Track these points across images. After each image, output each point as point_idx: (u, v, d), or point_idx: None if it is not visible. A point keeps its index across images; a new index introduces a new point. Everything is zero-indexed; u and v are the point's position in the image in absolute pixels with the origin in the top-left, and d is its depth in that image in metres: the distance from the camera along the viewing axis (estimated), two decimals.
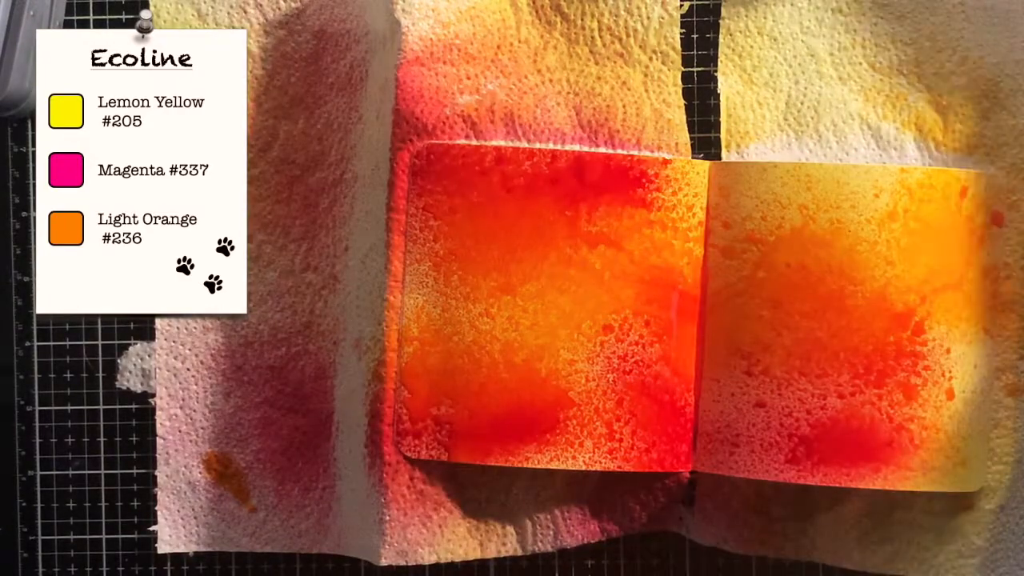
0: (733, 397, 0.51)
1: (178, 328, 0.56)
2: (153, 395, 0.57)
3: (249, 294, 0.56)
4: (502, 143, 0.51)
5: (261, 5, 0.56)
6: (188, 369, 0.56)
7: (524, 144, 0.51)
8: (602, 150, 0.52)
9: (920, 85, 0.52)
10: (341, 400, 0.55)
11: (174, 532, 0.56)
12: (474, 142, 0.51)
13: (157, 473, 0.56)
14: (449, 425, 0.51)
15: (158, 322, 0.56)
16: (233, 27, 0.56)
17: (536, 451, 0.50)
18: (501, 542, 0.53)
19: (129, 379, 0.57)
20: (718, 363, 0.51)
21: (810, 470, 0.50)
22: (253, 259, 0.56)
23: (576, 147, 0.52)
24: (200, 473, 0.56)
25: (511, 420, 0.51)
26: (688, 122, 0.53)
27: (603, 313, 0.50)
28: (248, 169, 0.56)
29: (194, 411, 0.56)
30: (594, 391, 0.50)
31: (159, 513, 0.56)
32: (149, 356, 0.56)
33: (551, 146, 0.51)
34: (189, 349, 0.56)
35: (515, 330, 0.50)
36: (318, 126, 0.56)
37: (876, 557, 0.52)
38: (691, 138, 0.53)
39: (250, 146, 0.56)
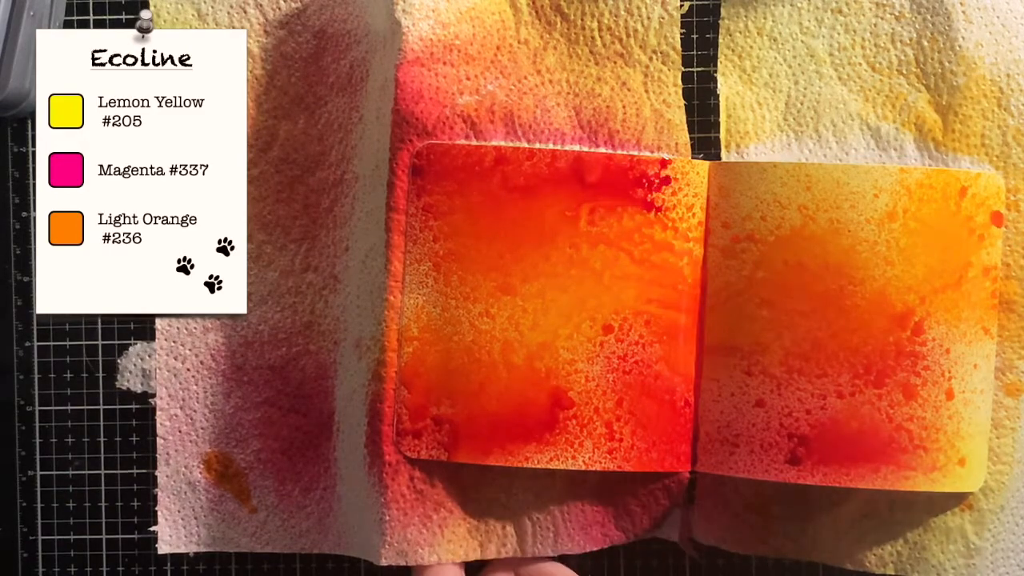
0: (733, 397, 0.51)
1: (178, 328, 0.56)
2: (153, 395, 0.56)
3: (249, 294, 0.55)
4: (502, 143, 0.51)
5: (261, 5, 0.56)
6: (188, 369, 0.56)
7: (524, 144, 0.51)
8: (602, 150, 0.51)
9: (920, 85, 0.52)
10: (342, 400, 0.55)
11: (174, 532, 0.56)
12: (474, 142, 0.51)
13: (157, 473, 0.56)
14: (449, 425, 0.50)
15: (158, 322, 0.56)
16: (233, 27, 0.56)
17: (536, 451, 0.50)
18: (501, 543, 0.53)
19: (129, 379, 0.56)
20: (718, 363, 0.51)
21: (810, 470, 0.50)
22: (253, 259, 0.55)
23: (576, 147, 0.51)
24: (200, 473, 0.56)
25: (511, 420, 0.50)
26: (688, 122, 0.53)
27: (603, 313, 0.50)
28: (248, 169, 0.55)
29: (194, 411, 0.56)
30: (594, 391, 0.50)
31: (159, 513, 0.56)
32: (149, 356, 0.56)
33: (551, 146, 0.51)
34: (189, 349, 0.56)
35: (515, 330, 0.50)
36: (319, 126, 0.55)
37: (876, 557, 0.52)
38: (691, 138, 0.52)
39: (250, 146, 0.56)
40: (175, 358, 0.56)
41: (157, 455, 0.56)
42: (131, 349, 0.56)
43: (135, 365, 0.56)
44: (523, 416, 0.50)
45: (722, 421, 0.51)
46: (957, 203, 0.50)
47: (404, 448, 0.51)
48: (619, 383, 0.50)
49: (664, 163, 0.51)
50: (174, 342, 0.56)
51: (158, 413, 0.56)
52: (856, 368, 0.49)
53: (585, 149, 0.51)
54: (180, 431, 0.56)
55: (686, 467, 0.52)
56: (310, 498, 0.56)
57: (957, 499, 0.51)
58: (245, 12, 0.56)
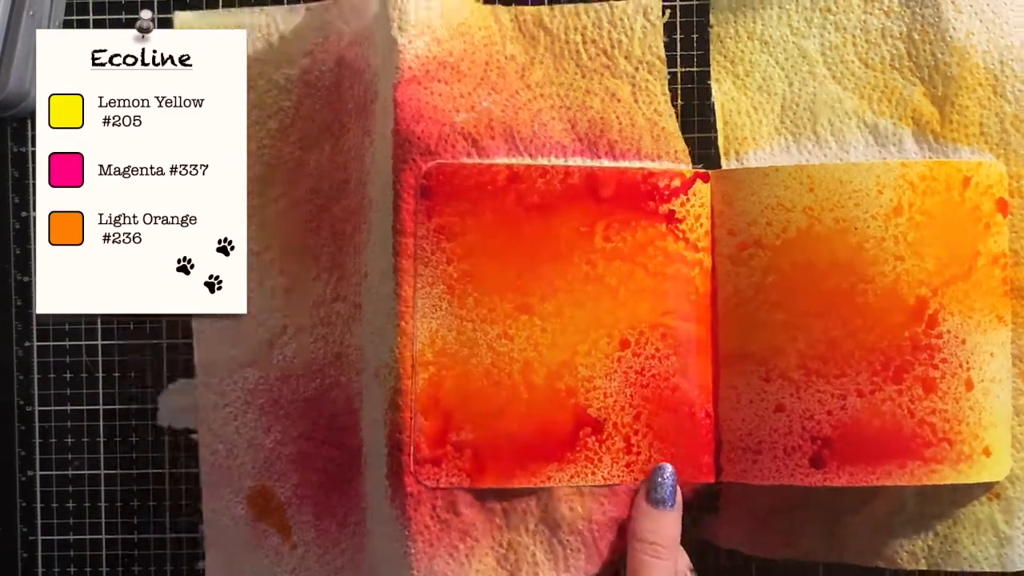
0: (752, 404, 0.45)
1: (215, 364, 0.50)
2: (194, 431, 0.50)
3: (284, 327, 0.49)
4: (505, 159, 0.45)
5: (284, 36, 0.50)
6: (227, 405, 0.50)
7: (527, 158, 0.46)
8: (604, 161, 0.46)
9: (914, 78, 0.47)
10: (366, 431, 0.49)
11: (219, 569, 0.49)
12: (477, 160, 0.45)
13: (202, 508, 0.49)
14: (470, 450, 0.45)
15: (196, 359, 0.49)
16: (256, 55, 0.50)
17: (557, 470, 0.45)
18: (532, 569, 0.46)
19: (169, 417, 0.51)
20: (735, 371, 0.45)
21: (835, 471, 0.44)
22: (287, 291, 0.49)
23: (579, 159, 0.46)
24: (243, 508, 0.50)
25: (532, 441, 0.45)
26: (689, 125, 0.47)
27: (620, 328, 0.45)
28: (280, 200, 0.49)
29: (235, 446, 0.50)
30: (612, 407, 0.45)
31: (206, 550, 0.49)
32: (189, 393, 0.50)
33: (554, 159, 0.46)
34: (228, 385, 0.50)
35: (534, 350, 0.45)
36: (342, 154, 0.50)
37: (908, 554, 0.46)
38: (691, 145, 0.47)
39: (282, 178, 0.50)
40: (214, 394, 0.50)
41: (202, 490, 0.49)
42: (171, 386, 0.50)
43: (175, 402, 0.50)
44: (545, 436, 0.45)
45: (743, 429, 0.45)
46: (961, 193, 0.44)
47: (423, 477, 0.45)
48: (637, 397, 0.45)
49: (674, 175, 0.45)
50: (213, 378, 0.50)
51: (200, 449, 0.49)
52: (874, 365, 0.44)
53: (588, 161, 0.46)
54: (222, 466, 0.50)
55: (709, 478, 0.45)
56: (344, 533, 0.49)
57: (984, 489, 0.45)
58: (270, 43, 0.50)
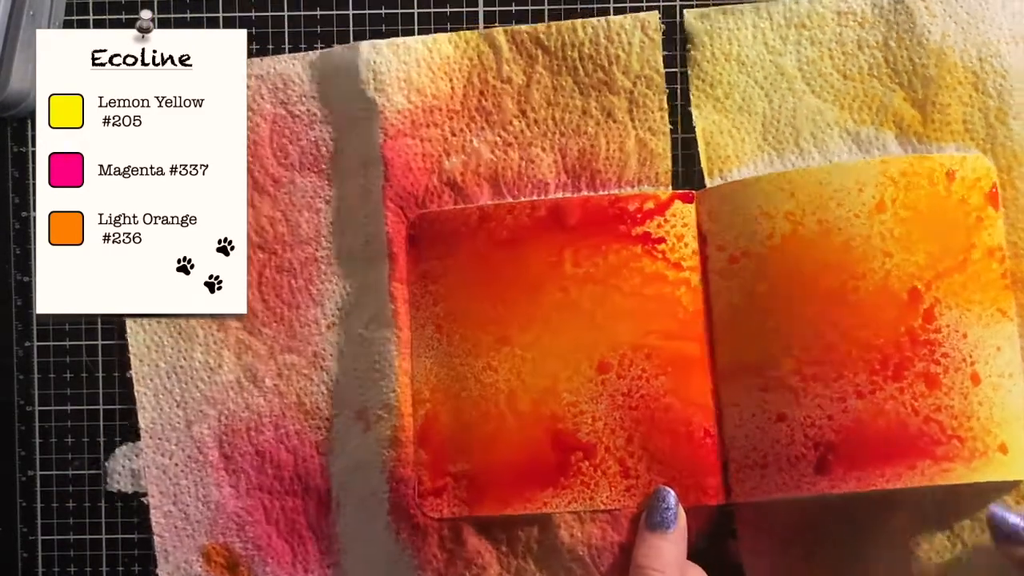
0: (754, 417, 0.42)
1: (162, 425, 0.47)
2: (144, 494, 0.47)
3: (230, 382, 0.46)
4: (487, 203, 0.43)
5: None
6: (176, 464, 0.47)
7: (508, 200, 0.44)
8: (584, 193, 0.45)
9: (893, 84, 0.45)
10: (340, 475, 0.46)
11: None
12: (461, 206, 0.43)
13: (158, 571, 0.47)
14: (467, 480, 0.43)
15: (141, 421, 0.46)
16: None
17: (554, 495, 0.43)
18: None
19: (119, 481, 0.47)
20: (734, 386, 0.43)
21: (842, 477, 0.40)
22: (231, 347, 0.46)
23: (559, 195, 0.45)
24: (200, 567, 0.47)
25: (525, 467, 0.44)
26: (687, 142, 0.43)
27: (599, 351, 0.43)
28: None
29: (187, 505, 0.47)
30: (602, 430, 0.43)
31: None
32: (136, 456, 0.47)
33: (533, 199, 0.44)
34: (175, 444, 0.47)
35: (517, 378, 0.44)
36: (281, 207, 0.48)
37: (936, 568, 0.44)
38: (677, 165, 0.44)
39: None
40: (162, 455, 0.47)
41: (156, 553, 0.46)
42: (117, 451, 0.47)
43: (123, 467, 0.47)
44: (536, 462, 0.44)
45: (748, 445, 0.42)
46: (947, 187, 0.42)
47: (427, 508, 0.43)
48: (627, 419, 0.43)
49: (644, 198, 0.43)
50: (159, 439, 0.47)
51: (152, 511, 0.46)
52: (872, 364, 0.41)
53: (567, 195, 0.45)
54: (176, 527, 0.47)
55: (716, 500, 0.42)
56: None
57: (1009, 490, 0.42)
58: None
